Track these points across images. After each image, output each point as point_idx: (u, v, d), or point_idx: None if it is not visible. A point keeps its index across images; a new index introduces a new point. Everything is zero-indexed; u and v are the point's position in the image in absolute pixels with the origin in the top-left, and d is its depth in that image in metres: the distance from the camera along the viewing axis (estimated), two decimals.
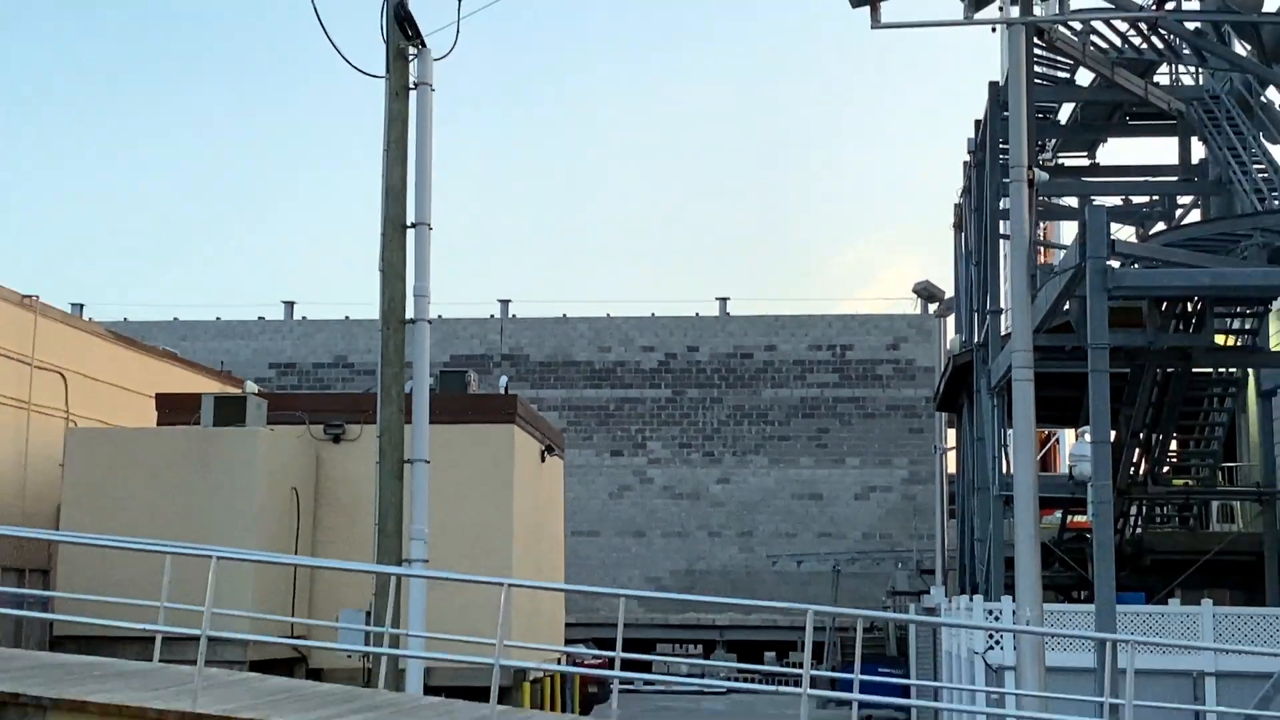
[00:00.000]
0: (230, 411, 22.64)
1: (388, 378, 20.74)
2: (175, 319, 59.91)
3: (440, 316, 60.59)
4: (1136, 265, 18.39)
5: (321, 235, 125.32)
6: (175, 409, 25.13)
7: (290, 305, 62.43)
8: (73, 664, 14.31)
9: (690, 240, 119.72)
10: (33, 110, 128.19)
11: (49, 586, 21.30)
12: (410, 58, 21.29)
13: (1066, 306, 19.65)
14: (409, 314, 20.80)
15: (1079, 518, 26.62)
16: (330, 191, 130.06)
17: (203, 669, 11.87)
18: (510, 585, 13.29)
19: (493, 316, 60.07)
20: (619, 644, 13.62)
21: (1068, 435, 44.11)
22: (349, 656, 21.33)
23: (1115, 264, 18.07)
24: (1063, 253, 29.27)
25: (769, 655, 52.46)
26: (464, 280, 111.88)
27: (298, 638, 22.27)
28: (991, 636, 21.67)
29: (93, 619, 18.68)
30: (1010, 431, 25.20)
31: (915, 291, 38.59)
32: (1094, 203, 31.42)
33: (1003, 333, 25.33)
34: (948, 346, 41.74)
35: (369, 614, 19.95)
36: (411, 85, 21.26)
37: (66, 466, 22.41)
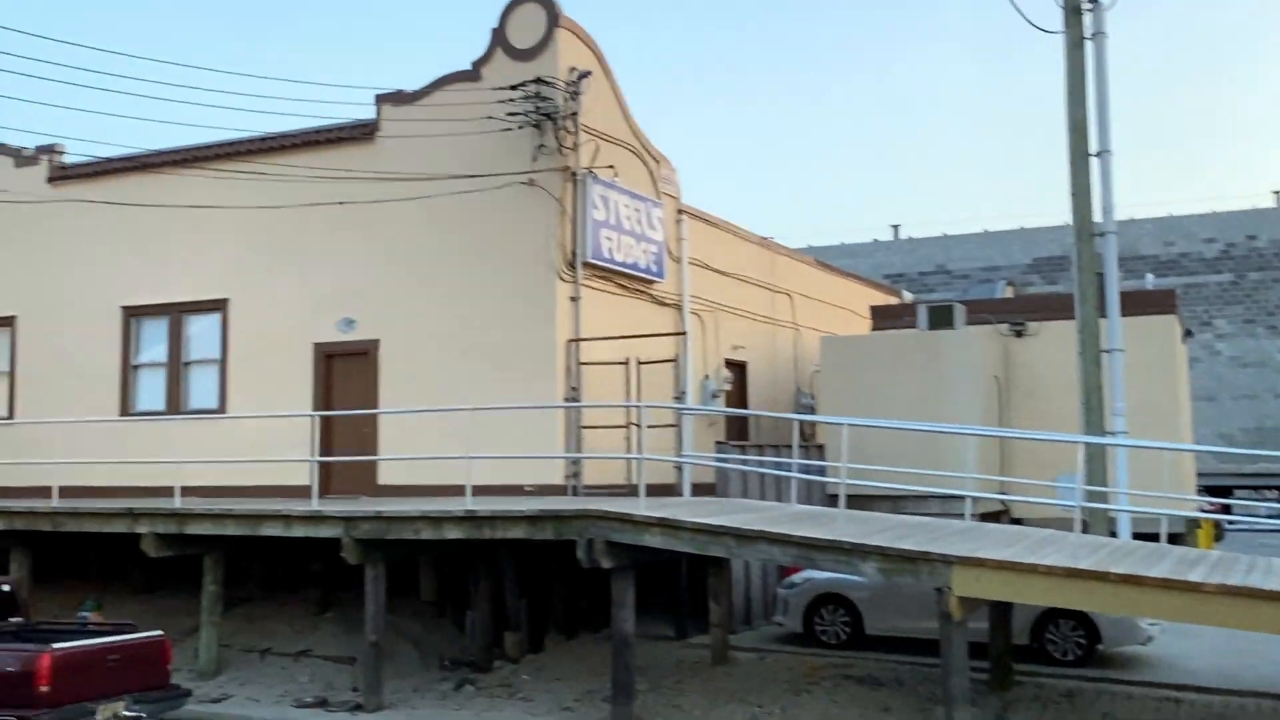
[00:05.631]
0: (941, 317, 21.54)
1: (1084, 283, 18.60)
2: (808, 245, 60.25)
3: (1022, 227, 56.42)
4: None
5: (912, 161, 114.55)
6: (883, 316, 24.53)
7: (896, 227, 60.91)
8: (911, 523, 13.58)
9: (1254, 138, 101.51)
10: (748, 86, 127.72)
11: (823, 458, 21.11)
12: (1085, 9, 18.90)
13: None
14: (1097, 227, 18.64)
15: None
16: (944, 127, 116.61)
17: (1079, 534, 10.69)
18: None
19: (1066, 224, 55.04)
20: None
21: None
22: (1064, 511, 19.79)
23: None
24: None
25: None
26: (1043, 189, 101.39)
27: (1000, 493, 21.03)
28: None
29: (864, 481, 18.27)
30: None
31: None
32: None
33: None
34: None
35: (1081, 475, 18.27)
36: (1088, 36, 18.88)
37: (822, 364, 22.25)
